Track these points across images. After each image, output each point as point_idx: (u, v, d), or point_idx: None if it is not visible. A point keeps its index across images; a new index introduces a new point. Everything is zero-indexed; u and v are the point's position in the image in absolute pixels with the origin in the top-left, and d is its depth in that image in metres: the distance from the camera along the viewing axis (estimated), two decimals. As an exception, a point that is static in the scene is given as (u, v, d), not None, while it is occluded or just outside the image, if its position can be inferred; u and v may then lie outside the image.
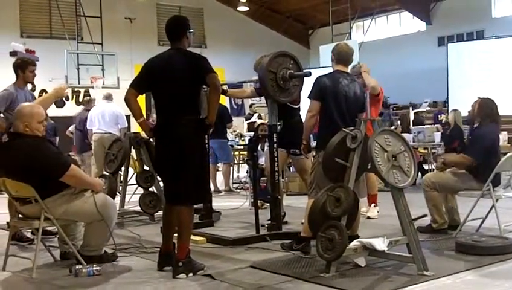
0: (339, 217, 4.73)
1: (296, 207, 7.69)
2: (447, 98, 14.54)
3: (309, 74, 5.95)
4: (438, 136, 10.78)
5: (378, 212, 7.47)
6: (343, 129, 4.98)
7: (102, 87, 17.59)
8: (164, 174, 5.08)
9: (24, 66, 6.50)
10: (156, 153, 5.17)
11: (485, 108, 6.34)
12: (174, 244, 4.93)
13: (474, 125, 6.57)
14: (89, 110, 10.93)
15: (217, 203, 8.28)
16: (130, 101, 4.89)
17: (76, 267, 4.86)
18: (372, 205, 7.51)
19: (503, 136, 14.08)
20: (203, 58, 4.90)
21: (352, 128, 4.99)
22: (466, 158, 6.14)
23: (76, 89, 20.75)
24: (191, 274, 4.74)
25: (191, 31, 5.03)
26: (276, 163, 6.16)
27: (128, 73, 18.87)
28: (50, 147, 5.02)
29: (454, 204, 6.43)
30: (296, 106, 6.81)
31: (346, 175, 4.89)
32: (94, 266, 4.89)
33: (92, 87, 18.04)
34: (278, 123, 6.17)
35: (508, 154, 6.14)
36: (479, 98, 6.57)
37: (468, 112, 7.11)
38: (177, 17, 5.33)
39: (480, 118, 6.36)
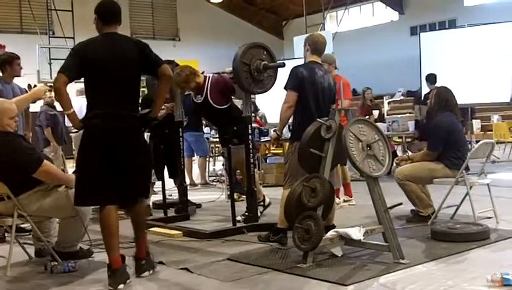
0: (315, 207, 4.74)
1: (273, 199, 7.67)
2: (420, 87, 14.64)
3: (283, 65, 5.93)
4: (412, 125, 10.84)
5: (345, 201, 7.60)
6: (318, 119, 4.99)
7: (75, 82, 17.42)
8: (111, 172, 4.39)
9: (11, 60, 6.63)
10: (91, 148, 4.43)
11: (441, 98, 6.43)
12: (123, 257, 4.49)
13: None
14: (50, 105, 10.66)
15: (193, 196, 8.25)
16: (61, 90, 4.37)
17: (52, 264, 4.82)
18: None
19: (475, 124, 14.30)
20: (148, 46, 4.58)
21: (326, 118, 4.99)
22: (429, 154, 6.31)
23: (49, 84, 20.50)
24: (152, 271, 4.65)
25: None
26: (251, 155, 6.15)
27: (101, 67, 18.72)
28: (22, 142, 4.94)
29: (427, 193, 6.46)
30: (224, 106, 6.54)
31: (321, 165, 4.90)
32: (70, 262, 4.85)
33: (65, 82, 17.85)
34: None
35: (481, 142, 6.22)
36: (436, 87, 6.66)
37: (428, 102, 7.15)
38: (114, 1, 4.72)
39: (436, 107, 6.46)
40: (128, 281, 4.41)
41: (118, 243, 4.49)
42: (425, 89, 13.27)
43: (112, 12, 4.59)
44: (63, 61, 14.45)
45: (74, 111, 4.47)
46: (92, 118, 4.42)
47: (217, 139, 11.63)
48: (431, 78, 11.36)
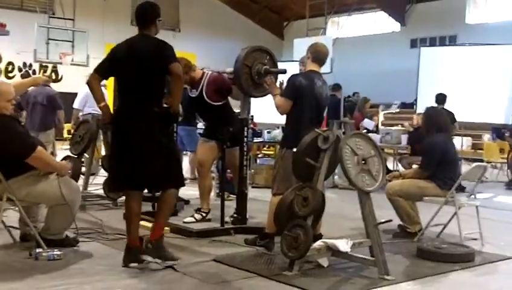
0: (306, 216, 4.74)
1: (261, 201, 7.67)
2: (416, 100, 14.68)
3: (284, 71, 5.91)
4: (405, 138, 10.87)
5: None
6: (316, 130, 4.99)
7: (71, 64, 17.37)
8: (131, 162, 4.74)
9: None
10: (115, 139, 4.94)
11: (429, 118, 6.49)
12: (141, 239, 4.85)
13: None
14: (47, 86, 10.66)
15: (182, 191, 8.19)
16: (91, 85, 4.93)
17: (37, 250, 4.80)
18: None
19: (466, 142, 14.37)
20: (168, 46, 4.81)
21: (325, 129, 5.01)
22: (421, 173, 6.35)
23: (44, 64, 20.42)
24: (158, 259, 4.72)
25: (161, 19, 4.96)
26: (245, 157, 6.15)
27: (99, 51, 18.60)
28: (17, 126, 4.92)
29: (416, 210, 6.47)
30: (218, 103, 6.49)
31: (315, 175, 4.90)
32: (55, 250, 4.83)
33: (61, 63, 17.80)
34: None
35: (474, 165, 6.26)
36: (426, 108, 6.69)
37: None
38: (149, 3, 5.15)
39: (426, 129, 6.50)
40: (145, 262, 4.72)
41: (137, 225, 4.84)
42: (420, 103, 13.36)
43: (137, 17, 4.95)
44: (60, 42, 14.52)
45: (106, 104, 4.94)
46: (117, 111, 4.91)
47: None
48: (440, 98, 11.11)
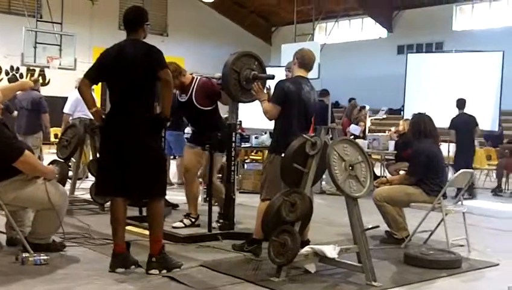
0: (293, 222, 4.74)
1: (249, 206, 7.68)
2: (403, 106, 14.74)
3: (273, 77, 5.91)
4: (392, 145, 10.91)
5: None
6: (304, 135, 5.00)
7: (59, 68, 17.28)
8: (119, 167, 4.71)
9: None
10: (103, 144, 4.95)
11: (416, 125, 6.55)
12: (128, 244, 4.85)
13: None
14: (36, 90, 10.63)
15: (169, 196, 8.17)
16: (82, 90, 4.91)
17: (23, 255, 4.77)
18: None
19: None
20: (157, 51, 4.78)
21: (312, 134, 5.02)
22: (408, 179, 6.40)
23: (31, 68, 20.32)
24: (164, 271, 4.68)
25: (149, 23, 4.95)
26: (232, 162, 6.14)
27: (86, 55, 18.58)
28: (4, 130, 4.89)
29: (403, 216, 6.50)
30: (207, 108, 6.50)
31: (303, 181, 4.90)
32: (41, 255, 4.81)
33: (48, 67, 17.70)
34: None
35: (460, 171, 6.29)
36: (413, 114, 6.75)
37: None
38: (136, 8, 5.20)
39: (412, 135, 6.57)
40: (132, 267, 4.75)
41: (123, 231, 4.83)
42: (407, 109, 13.43)
43: (125, 22, 4.94)
44: (48, 45, 14.52)
45: (97, 109, 4.93)
46: (107, 116, 4.85)
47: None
48: (460, 103, 11.11)
